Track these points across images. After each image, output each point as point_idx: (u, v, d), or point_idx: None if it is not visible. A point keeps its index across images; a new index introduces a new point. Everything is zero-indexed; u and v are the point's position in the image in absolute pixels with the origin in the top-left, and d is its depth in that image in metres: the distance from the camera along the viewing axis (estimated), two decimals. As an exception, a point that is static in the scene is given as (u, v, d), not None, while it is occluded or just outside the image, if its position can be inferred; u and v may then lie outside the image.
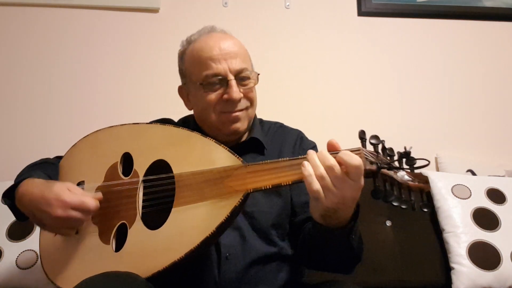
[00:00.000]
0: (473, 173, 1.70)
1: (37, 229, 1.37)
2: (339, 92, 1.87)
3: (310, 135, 1.19)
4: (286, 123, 1.21)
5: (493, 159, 1.81)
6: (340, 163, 0.71)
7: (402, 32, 1.93)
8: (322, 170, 0.71)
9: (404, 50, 1.92)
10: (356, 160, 0.70)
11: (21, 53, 1.79)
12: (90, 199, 0.85)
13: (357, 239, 0.85)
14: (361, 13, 1.91)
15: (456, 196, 1.48)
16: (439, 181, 1.52)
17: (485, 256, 1.38)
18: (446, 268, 1.42)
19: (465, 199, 1.48)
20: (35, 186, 0.88)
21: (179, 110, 1.18)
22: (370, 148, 0.76)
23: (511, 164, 1.78)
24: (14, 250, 1.34)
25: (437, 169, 1.78)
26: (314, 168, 0.72)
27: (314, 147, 1.15)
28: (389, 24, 1.93)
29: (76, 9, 1.83)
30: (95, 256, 0.89)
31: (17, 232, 1.38)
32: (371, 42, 1.91)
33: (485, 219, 1.45)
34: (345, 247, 0.84)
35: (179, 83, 1.11)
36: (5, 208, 1.42)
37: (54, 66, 1.80)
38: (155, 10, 1.85)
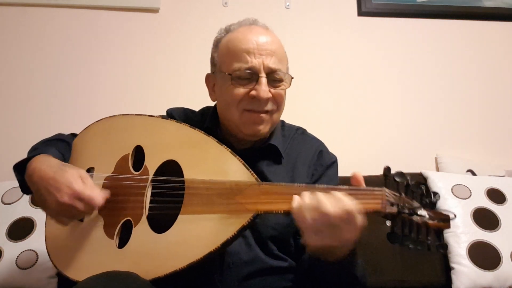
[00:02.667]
0: (473, 173, 1.70)
1: (37, 229, 1.38)
2: (339, 92, 1.87)
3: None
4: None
5: (493, 159, 1.81)
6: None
7: (402, 32, 1.93)
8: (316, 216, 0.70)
9: (404, 50, 1.92)
10: (327, 210, 0.68)
11: (21, 53, 1.79)
12: (99, 196, 0.84)
13: (360, 268, 0.84)
14: (361, 13, 1.91)
15: (456, 196, 1.48)
16: (439, 181, 1.52)
17: (485, 256, 1.38)
18: (446, 268, 1.42)
19: (465, 199, 1.48)
20: (49, 166, 0.87)
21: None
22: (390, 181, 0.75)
23: (511, 164, 1.78)
24: (14, 250, 1.34)
25: (437, 169, 1.78)
26: (307, 211, 0.70)
27: (333, 162, 1.09)
28: (389, 24, 1.93)
29: (76, 9, 1.83)
30: (98, 249, 0.89)
31: (17, 232, 1.38)
32: (371, 42, 1.91)
33: (485, 219, 1.45)
34: (348, 276, 0.82)
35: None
36: (5, 208, 1.43)
37: (54, 66, 1.80)
38: (155, 10, 1.85)
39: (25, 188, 0.92)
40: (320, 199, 0.70)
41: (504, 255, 1.37)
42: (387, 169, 0.74)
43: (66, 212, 0.84)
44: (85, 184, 0.83)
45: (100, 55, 1.81)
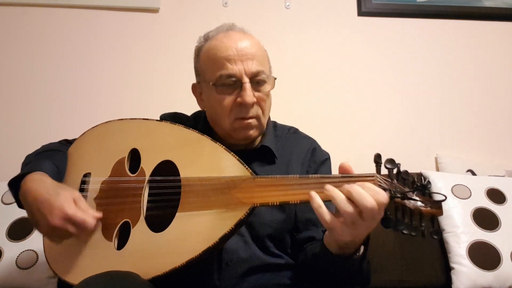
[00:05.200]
0: (473, 173, 1.70)
1: (37, 229, 1.38)
2: (339, 92, 1.87)
3: (309, 135, 1.17)
4: (283, 123, 1.18)
5: (493, 159, 1.81)
6: (351, 201, 0.69)
7: (402, 32, 1.93)
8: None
9: (404, 50, 1.92)
10: (369, 202, 0.67)
11: (21, 53, 1.79)
12: (91, 219, 0.84)
13: (366, 262, 0.85)
14: (361, 13, 1.91)
15: (456, 196, 1.48)
16: (439, 181, 1.52)
17: (485, 256, 1.38)
18: (446, 268, 1.42)
19: (465, 199, 1.48)
20: (43, 187, 0.86)
21: (179, 110, 1.18)
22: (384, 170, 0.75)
23: (511, 164, 1.78)
24: (14, 250, 1.34)
25: (437, 169, 1.78)
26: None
27: (326, 159, 1.11)
28: (389, 24, 1.93)
29: (76, 9, 1.83)
30: (97, 251, 0.89)
31: (17, 232, 1.38)
32: (371, 42, 1.91)
33: (485, 219, 1.45)
34: (357, 272, 0.83)
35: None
36: (5, 208, 1.43)
37: (53, 66, 1.80)
38: (155, 10, 1.85)
39: (21, 204, 0.92)
40: (357, 190, 0.69)
41: (504, 255, 1.37)
42: (377, 156, 0.75)
43: (57, 234, 0.85)
44: (77, 206, 0.84)
45: (100, 55, 1.82)
